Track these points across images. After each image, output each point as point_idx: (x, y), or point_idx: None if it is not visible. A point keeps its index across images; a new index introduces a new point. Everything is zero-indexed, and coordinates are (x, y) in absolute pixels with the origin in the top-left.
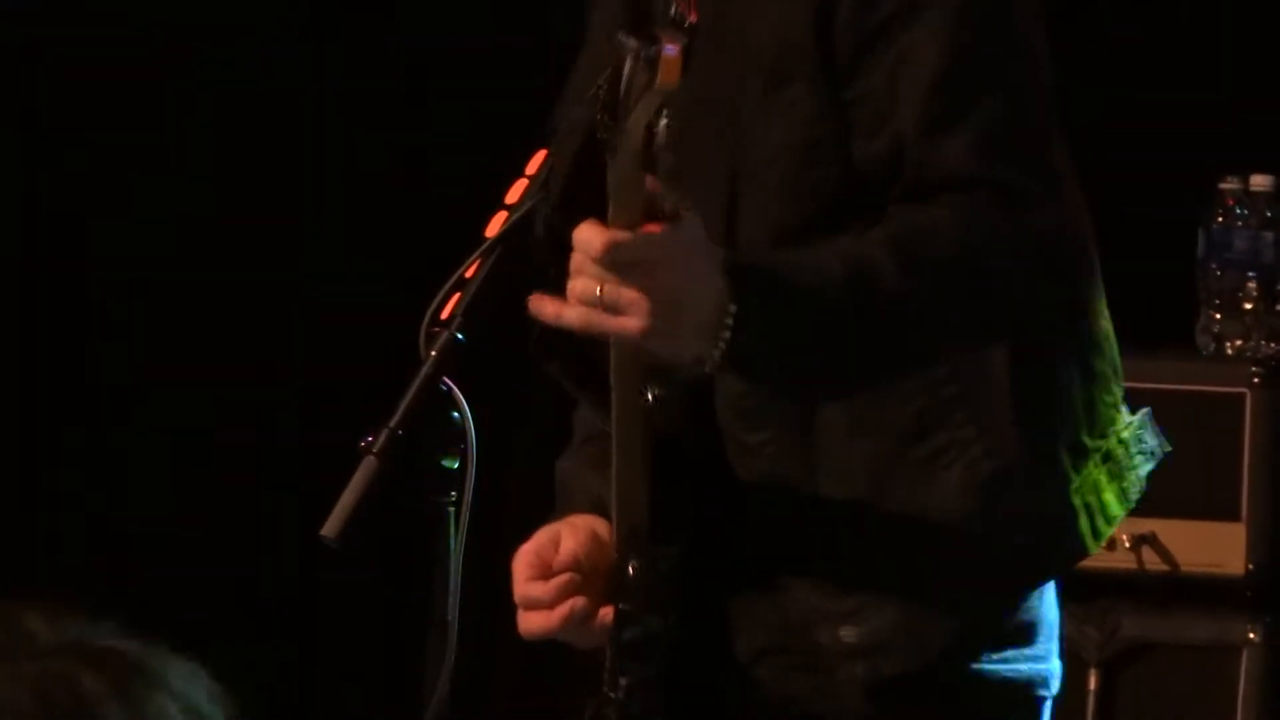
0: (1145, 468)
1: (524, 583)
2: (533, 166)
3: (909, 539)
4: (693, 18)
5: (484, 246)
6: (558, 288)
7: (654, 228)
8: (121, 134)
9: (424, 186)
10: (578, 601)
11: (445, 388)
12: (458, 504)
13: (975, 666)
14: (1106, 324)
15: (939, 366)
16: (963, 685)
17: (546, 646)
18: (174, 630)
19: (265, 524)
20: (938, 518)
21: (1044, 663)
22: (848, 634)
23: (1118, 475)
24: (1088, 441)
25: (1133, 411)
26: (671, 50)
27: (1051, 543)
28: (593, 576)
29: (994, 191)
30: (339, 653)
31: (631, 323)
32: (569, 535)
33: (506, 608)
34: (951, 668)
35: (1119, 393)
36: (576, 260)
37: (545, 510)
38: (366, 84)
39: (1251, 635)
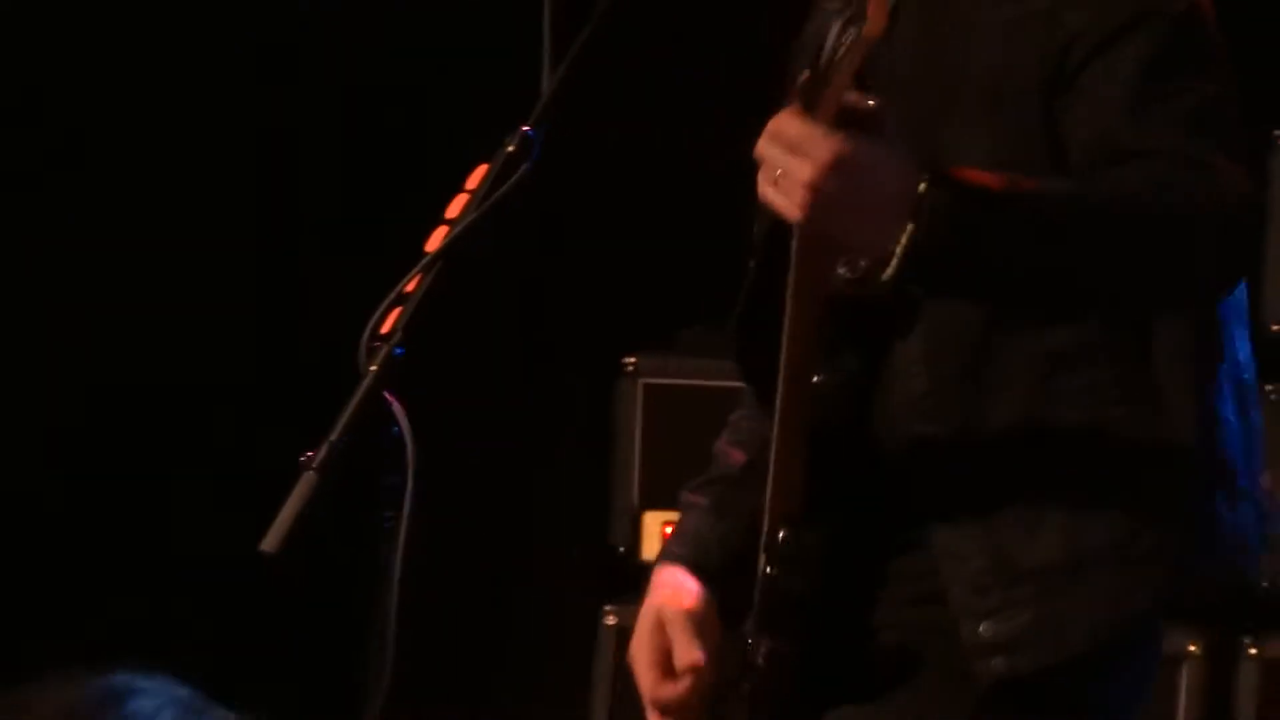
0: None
1: (654, 685)
2: (473, 181)
3: (1058, 549)
4: None
5: (424, 261)
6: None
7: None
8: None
9: (365, 201)
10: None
11: (386, 402)
12: (395, 518)
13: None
14: (1250, 373)
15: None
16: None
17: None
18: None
19: (210, 537)
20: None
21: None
22: (986, 630)
23: (1266, 523)
24: (1243, 483)
25: None
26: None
27: (1194, 567)
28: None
29: (1189, 160)
30: (281, 663)
31: (791, 205)
32: (688, 629)
33: (445, 621)
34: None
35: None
36: (760, 144)
37: (488, 522)
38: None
39: None
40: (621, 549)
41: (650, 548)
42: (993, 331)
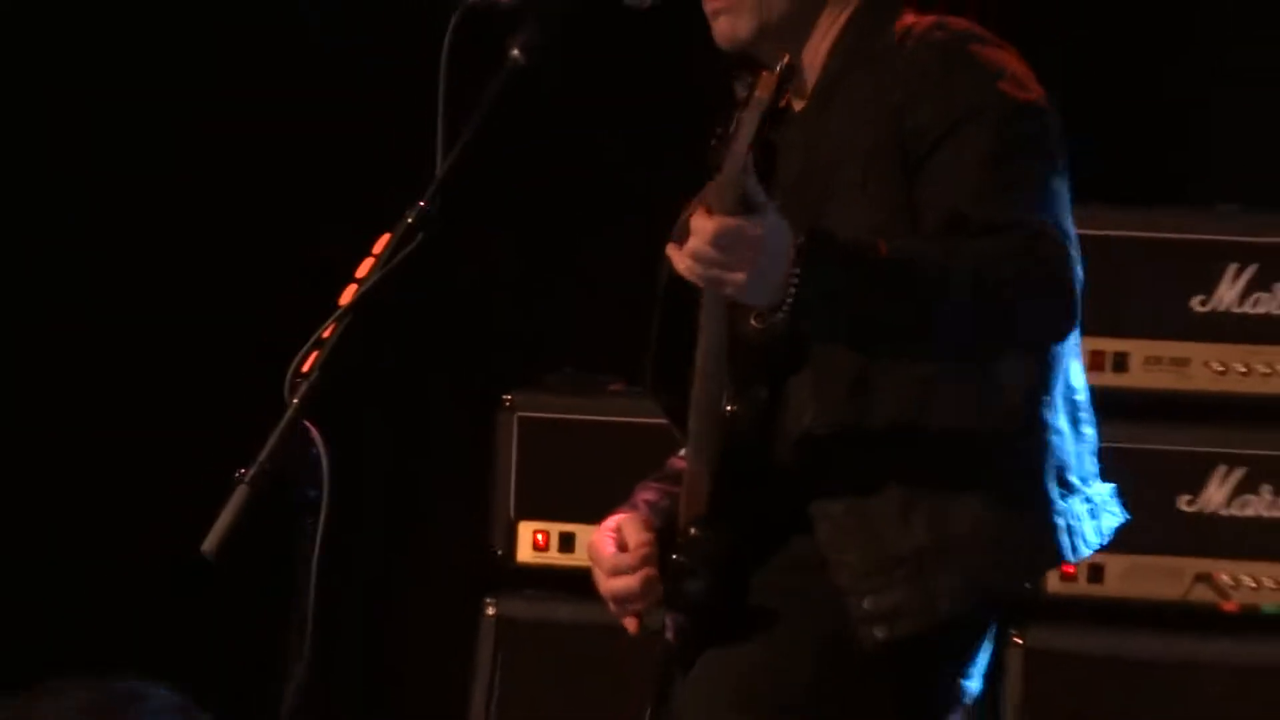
0: (1114, 523)
1: (612, 553)
2: (378, 247)
3: (926, 537)
4: (785, 59)
5: (338, 313)
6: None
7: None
8: None
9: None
10: (652, 570)
11: (306, 429)
12: (314, 521)
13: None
14: (1083, 395)
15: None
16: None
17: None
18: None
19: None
20: (955, 526)
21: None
22: (870, 604)
23: (1096, 516)
24: (1074, 480)
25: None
26: (768, 73)
27: (1035, 548)
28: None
29: (1025, 230)
30: (216, 637)
31: (729, 285)
32: (641, 526)
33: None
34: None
35: (1096, 461)
36: (691, 242)
37: (392, 528)
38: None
39: None
40: (500, 552)
41: (524, 551)
42: (867, 367)
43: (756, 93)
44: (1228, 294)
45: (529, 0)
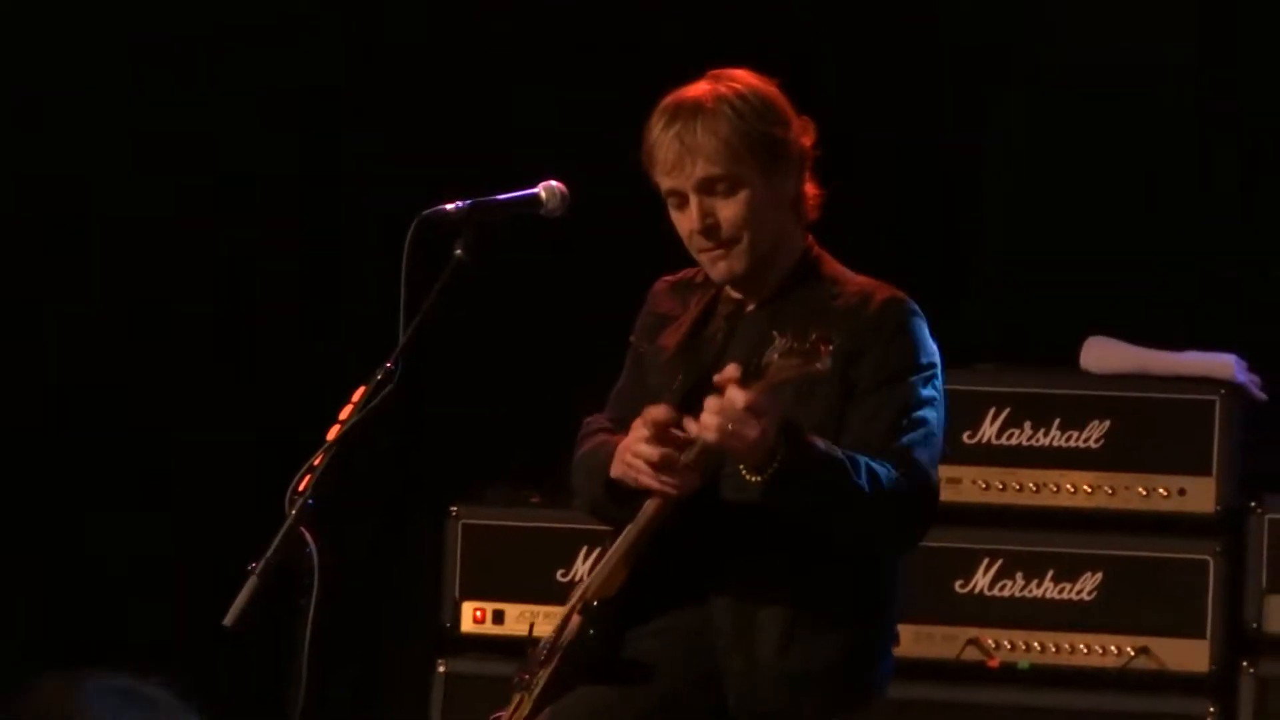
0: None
1: (639, 442)
2: (356, 396)
3: (800, 657)
4: (830, 344)
5: (325, 445)
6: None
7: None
8: None
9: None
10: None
11: (300, 532)
12: (308, 601)
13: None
14: None
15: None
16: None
17: (358, 689)
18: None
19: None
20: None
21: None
22: (745, 702)
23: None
24: (895, 631)
25: None
26: (826, 346)
27: (866, 692)
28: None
29: (913, 465)
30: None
31: (745, 440)
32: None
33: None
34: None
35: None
36: (722, 402)
37: (366, 604)
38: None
39: None
40: (448, 624)
41: (466, 624)
42: (773, 527)
43: (818, 366)
44: (989, 430)
45: (469, 212)
